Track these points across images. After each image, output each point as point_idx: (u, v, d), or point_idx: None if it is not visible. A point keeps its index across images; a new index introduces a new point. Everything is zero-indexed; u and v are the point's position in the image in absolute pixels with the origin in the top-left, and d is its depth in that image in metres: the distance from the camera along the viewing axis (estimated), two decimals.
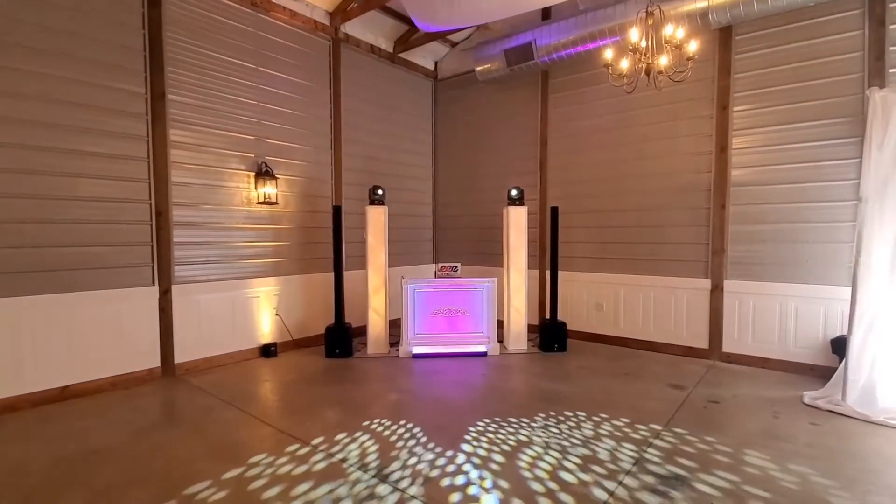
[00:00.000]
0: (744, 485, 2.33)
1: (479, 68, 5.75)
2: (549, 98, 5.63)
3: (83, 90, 3.56)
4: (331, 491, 2.29)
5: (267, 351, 4.71)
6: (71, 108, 3.51)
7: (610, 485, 2.34)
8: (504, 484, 2.35)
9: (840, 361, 3.58)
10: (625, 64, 3.26)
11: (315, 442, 2.81)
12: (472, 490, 2.30)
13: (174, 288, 4.06)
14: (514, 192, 4.96)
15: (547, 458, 2.62)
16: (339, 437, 2.89)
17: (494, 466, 2.52)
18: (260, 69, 4.67)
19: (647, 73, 3.15)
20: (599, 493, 2.26)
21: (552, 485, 2.34)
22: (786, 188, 4.18)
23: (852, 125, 3.85)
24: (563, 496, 2.24)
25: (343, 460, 2.59)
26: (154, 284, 3.97)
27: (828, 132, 3.98)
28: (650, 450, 2.71)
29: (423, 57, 6.48)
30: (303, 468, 2.51)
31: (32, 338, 3.37)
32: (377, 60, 5.90)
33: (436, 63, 6.71)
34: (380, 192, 4.83)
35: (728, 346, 4.49)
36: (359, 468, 2.50)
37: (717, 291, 4.52)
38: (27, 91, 3.32)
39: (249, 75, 4.59)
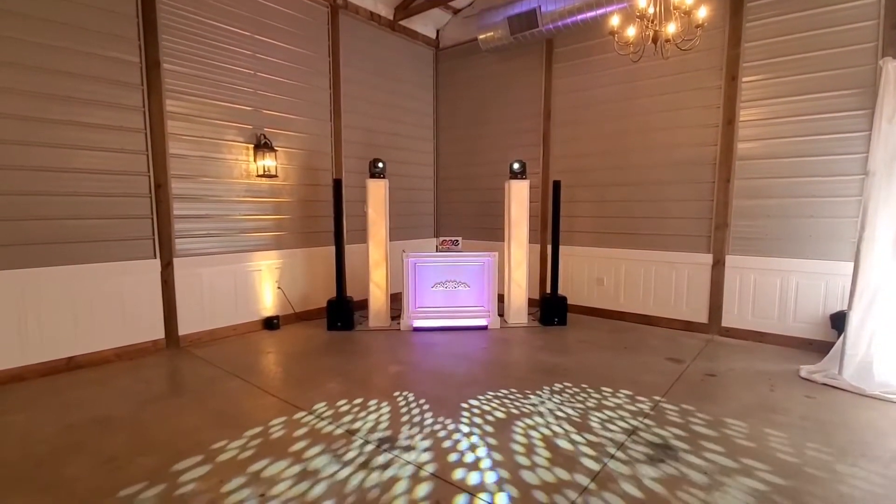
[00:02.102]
0: (737, 455, 2.38)
1: (481, 36, 5.58)
2: (553, 68, 5.49)
3: (75, 59, 3.48)
4: (333, 458, 2.34)
5: (270, 324, 4.76)
6: (64, 78, 3.44)
7: (604, 455, 2.38)
8: (499, 456, 2.40)
9: (839, 336, 3.60)
10: (631, 31, 3.15)
11: (315, 409, 2.86)
12: (470, 458, 2.35)
13: (176, 261, 4.07)
14: (516, 166, 4.89)
15: (543, 429, 2.66)
16: (341, 407, 2.94)
17: (490, 438, 2.57)
18: (256, 37, 4.55)
19: (655, 41, 3.06)
20: (592, 464, 2.31)
21: (547, 454, 2.39)
22: (792, 162, 4.11)
23: (863, 97, 3.75)
24: (558, 466, 2.29)
25: (344, 429, 2.64)
26: (155, 257, 3.98)
27: (838, 104, 3.88)
28: (646, 421, 2.75)
29: (425, 25, 6.30)
30: (305, 437, 2.56)
31: (36, 309, 3.40)
32: (377, 28, 5.73)
33: (437, 31, 6.53)
34: (380, 164, 4.77)
35: (727, 321, 4.51)
36: (359, 436, 2.56)
37: (718, 266, 4.51)
38: (18, 60, 3.24)
39: (246, 43, 4.48)
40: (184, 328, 4.18)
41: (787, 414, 2.86)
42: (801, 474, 2.21)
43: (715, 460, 2.33)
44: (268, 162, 4.62)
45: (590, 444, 2.49)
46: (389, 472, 2.22)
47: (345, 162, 5.40)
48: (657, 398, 3.08)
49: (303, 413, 2.85)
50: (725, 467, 2.27)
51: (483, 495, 2.05)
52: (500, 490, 2.09)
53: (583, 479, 2.17)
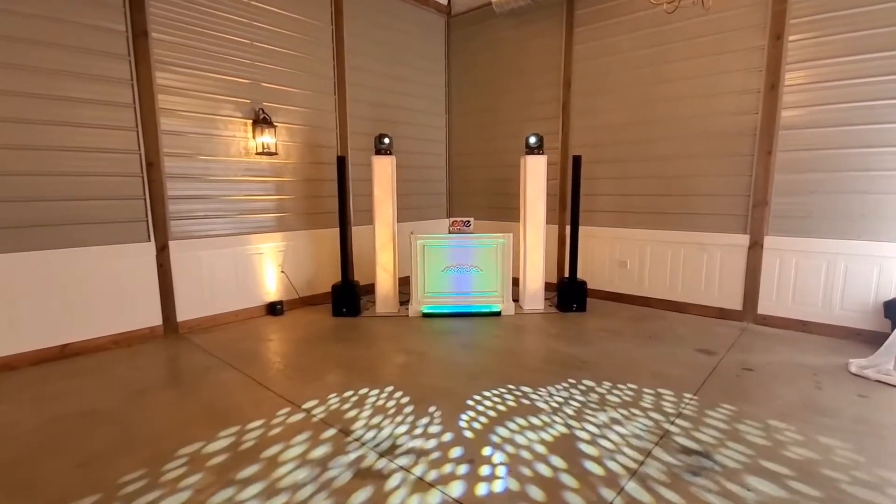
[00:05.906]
0: (782, 466, 2.07)
1: None
2: (574, 32, 5.04)
3: (52, 27, 3.23)
4: (326, 460, 2.12)
5: (273, 309, 4.56)
6: (41, 48, 3.19)
7: (630, 463, 2.10)
8: (511, 460, 2.14)
9: (893, 327, 3.23)
10: None
11: (310, 406, 2.65)
12: (481, 466, 2.10)
13: (171, 244, 3.87)
14: (532, 140, 4.52)
15: (560, 430, 2.39)
16: (338, 402, 2.71)
17: (503, 442, 2.32)
18: (252, 3, 4.23)
19: None
20: (608, 473, 2.03)
21: (563, 464, 2.12)
22: (842, 131, 3.66)
23: None
24: (571, 479, 2.02)
25: (338, 428, 2.42)
26: (150, 240, 3.78)
27: (894, 65, 3.41)
28: (676, 423, 2.46)
29: None
30: (294, 436, 2.34)
31: (27, 295, 3.24)
32: None
33: None
34: (386, 140, 4.46)
35: (764, 308, 4.13)
36: (354, 436, 2.33)
37: (755, 248, 4.11)
38: None
39: (240, 10, 4.17)
40: (182, 314, 4.01)
41: (837, 416, 2.53)
42: (845, 491, 1.90)
43: (758, 471, 2.03)
44: (267, 139, 4.35)
45: (612, 449, 2.21)
46: (387, 482, 1.99)
47: (351, 138, 5.11)
48: (688, 396, 2.77)
49: (297, 409, 2.64)
50: (770, 481, 1.97)
51: None
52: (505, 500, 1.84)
53: (606, 496, 1.90)
